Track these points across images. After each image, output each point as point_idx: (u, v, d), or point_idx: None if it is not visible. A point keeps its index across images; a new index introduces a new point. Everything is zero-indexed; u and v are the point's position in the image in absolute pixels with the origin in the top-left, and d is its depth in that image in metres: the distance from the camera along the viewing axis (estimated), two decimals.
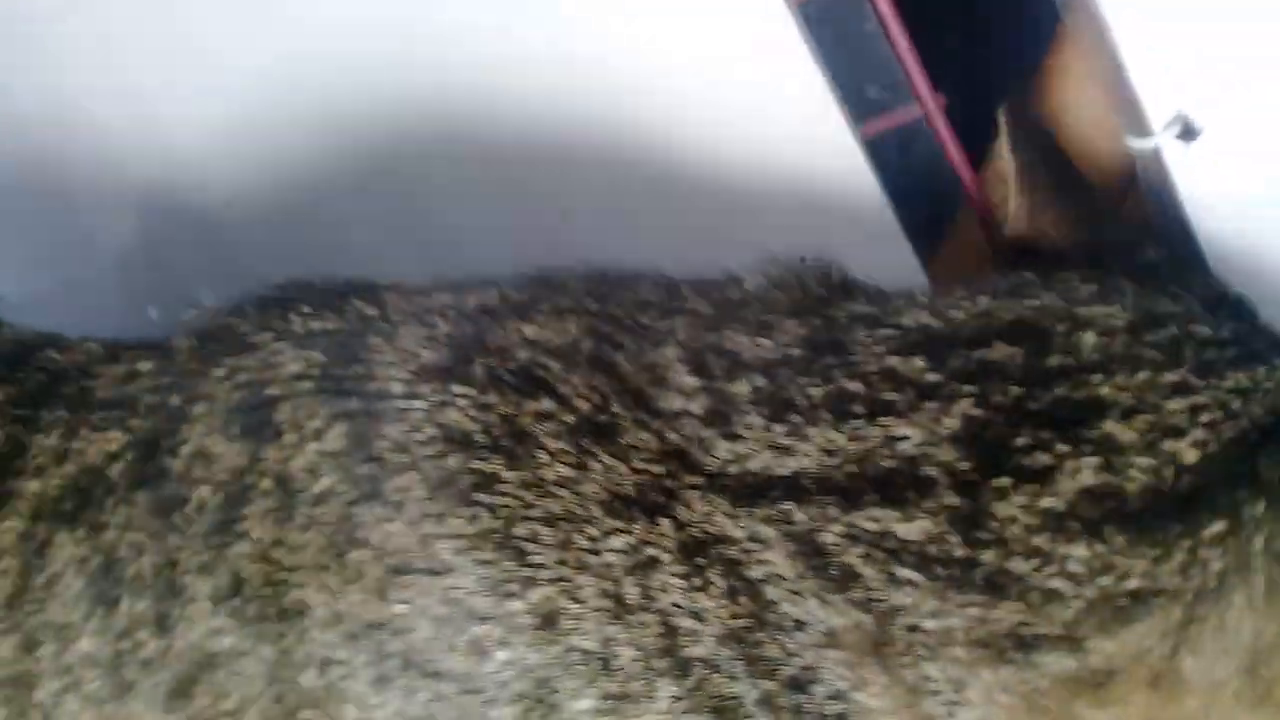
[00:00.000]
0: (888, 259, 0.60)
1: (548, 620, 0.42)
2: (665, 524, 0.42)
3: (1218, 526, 0.38)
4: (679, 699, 0.41)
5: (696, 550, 0.41)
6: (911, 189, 0.59)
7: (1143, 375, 0.40)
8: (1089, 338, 0.41)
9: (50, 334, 0.56)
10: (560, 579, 0.42)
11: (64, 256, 0.70)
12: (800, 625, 0.40)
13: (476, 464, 0.43)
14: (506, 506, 0.43)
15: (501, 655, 0.42)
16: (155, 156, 0.68)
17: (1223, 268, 0.51)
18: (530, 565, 0.42)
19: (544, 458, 0.43)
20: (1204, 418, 0.39)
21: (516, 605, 0.42)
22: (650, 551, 0.41)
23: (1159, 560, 0.38)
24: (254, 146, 0.66)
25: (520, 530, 0.42)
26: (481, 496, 0.43)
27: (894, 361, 0.42)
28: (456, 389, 0.45)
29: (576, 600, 0.42)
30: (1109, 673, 0.39)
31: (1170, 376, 0.40)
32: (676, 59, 0.60)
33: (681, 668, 0.41)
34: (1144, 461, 0.39)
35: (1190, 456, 0.39)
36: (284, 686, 0.44)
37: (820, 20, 0.58)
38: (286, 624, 0.44)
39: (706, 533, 0.41)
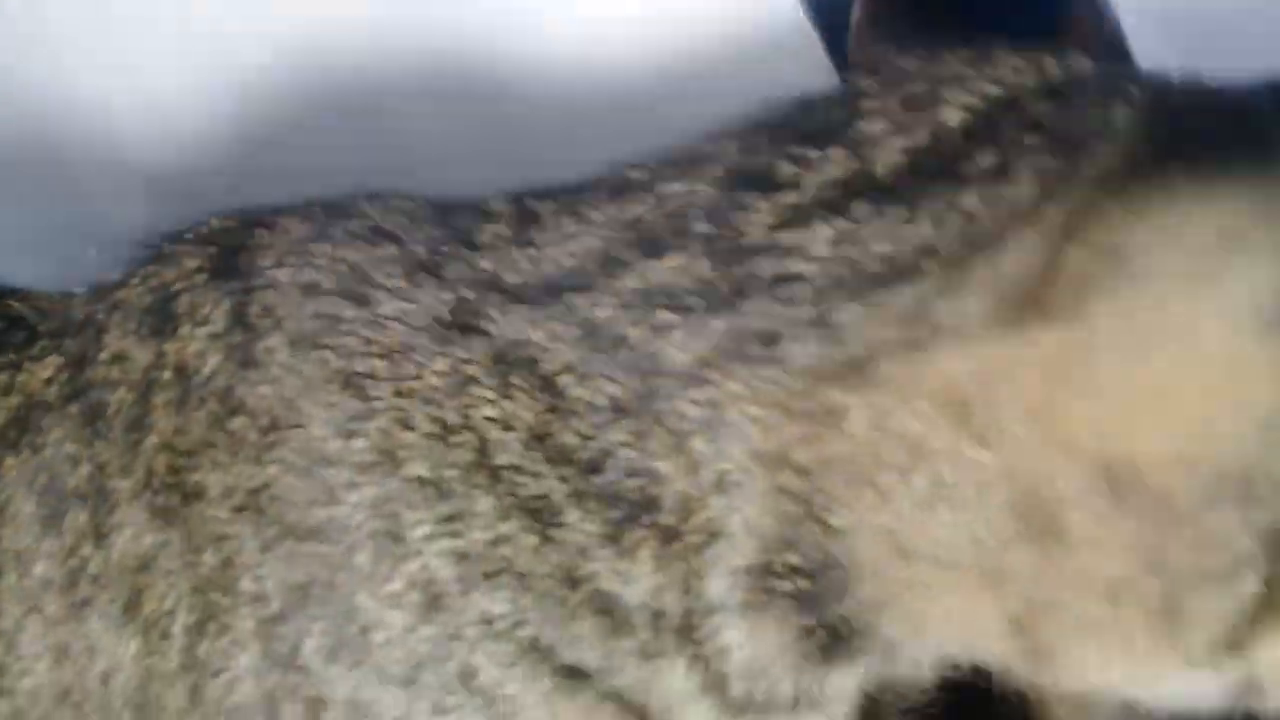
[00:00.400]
0: None
1: (386, 454, 0.43)
2: (477, 341, 0.43)
3: (986, 162, 0.38)
4: (495, 508, 0.42)
5: (501, 360, 0.43)
6: None
7: (906, 88, 0.41)
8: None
9: (12, 289, 0.58)
10: (395, 409, 0.43)
11: (67, 241, 0.69)
12: (591, 407, 0.41)
13: (324, 308, 0.45)
14: (347, 345, 0.45)
15: (353, 497, 0.43)
16: (158, 141, 0.69)
17: None
18: (368, 399, 0.44)
19: (382, 295, 0.45)
20: (970, 86, 0.39)
21: (360, 444, 0.43)
22: (468, 370, 0.43)
23: (910, 220, 0.38)
24: (258, 132, 0.67)
25: (360, 366, 0.44)
26: (327, 339, 0.45)
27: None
28: (314, 248, 0.47)
29: (409, 429, 0.43)
30: (865, 353, 0.38)
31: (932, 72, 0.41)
32: (682, 44, 0.61)
33: (494, 477, 0.42)
34: (897, 142, 0.39)
35: (953, 119, 0.39)
36: (195, 574, 0.46)
37: (828, 13, 0.58)
38: (189, 508, 0.46)
39: (511, 340, 0.43)
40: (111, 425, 0.48)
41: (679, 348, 0.40)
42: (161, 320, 0.49)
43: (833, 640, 0.42)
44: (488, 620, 0.42)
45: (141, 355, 0.49)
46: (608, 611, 0.42)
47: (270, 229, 0.49)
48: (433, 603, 0.43)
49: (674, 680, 0.43)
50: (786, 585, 0.41)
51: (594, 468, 0.41)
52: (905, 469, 0.38)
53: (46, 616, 0.48)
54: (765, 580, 0.41)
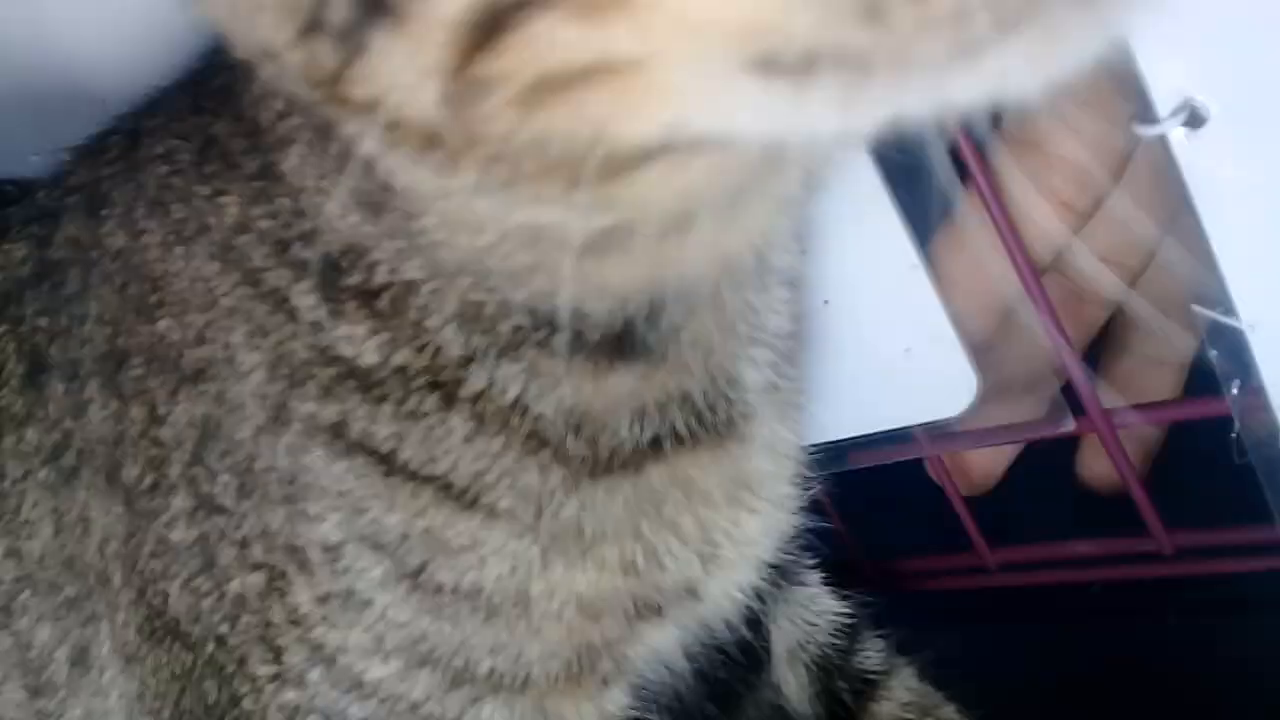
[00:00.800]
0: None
1: (208, 289, 0.48)
2: (214, 151, 0.49)
3: None
4: (266, 311, 0.46)
5: (228, 162, 0.48)
6: (911, 173, 0.59)
7: None
8: None
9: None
10: (205, 246, 0.48)
11: None
12: (265, 180, 0.47)
13: (158, 176, 0.51)
14: (165, 200, 0.50)
15: (210, 335, 0.48)
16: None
17: (1229, 255, 0.51)
18: (188, 242, 0.49)
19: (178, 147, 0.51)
20: None
21: (199, 286, 0.48)
22: (215, 183, 0.49)
23: None
24: None
25: (177, 214, 0.49)
26: (161, 200, 0.50)
27: None
28: (160, 131, 0.52)
29: (212, 260, 0.48)
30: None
31: None
32: None
33: (253, 283, 0.47)
34: None
35: None
36: (137, 432, 0.50)
37: None
38: (121, 373, 0.51)
39: (224, 141, 0.49)
40: (70, 301, 0.53)
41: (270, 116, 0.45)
42: (95, 205, 0.54)
43: (588, 340, 0.44)
44: (310, 418, 0.46)
45: (85, 237, 0.54)
46: (357, 379, 0.45)
47: (151, 123, 0.54)
48: (276, 417, 0.46)
49: (456, 442, 0.45)
50: (513, 325, 0.44)
51: (285, 245, 0.45)
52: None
53: (40, 482, 0.53)
54: (486, 319, 0.44)
